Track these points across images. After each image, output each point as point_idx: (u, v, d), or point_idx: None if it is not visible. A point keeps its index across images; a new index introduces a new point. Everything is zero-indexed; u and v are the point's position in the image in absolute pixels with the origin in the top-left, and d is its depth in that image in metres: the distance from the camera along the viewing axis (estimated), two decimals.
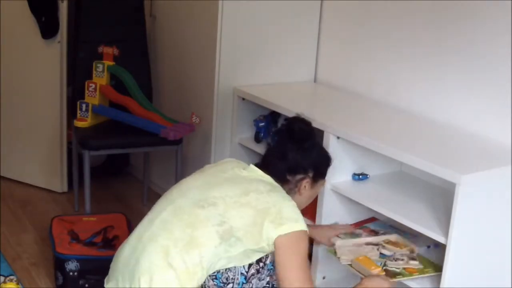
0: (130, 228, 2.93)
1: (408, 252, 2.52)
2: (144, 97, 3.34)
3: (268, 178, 2.28)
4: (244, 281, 2.17)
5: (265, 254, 2.17)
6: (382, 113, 3.03)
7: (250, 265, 2.17)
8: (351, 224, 2.79)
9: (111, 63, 3.32)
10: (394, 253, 2.51)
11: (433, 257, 2.61)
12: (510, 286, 2.55)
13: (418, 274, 2.42)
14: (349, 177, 2.82)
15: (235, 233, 2.09)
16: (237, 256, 2.12)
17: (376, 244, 2.57)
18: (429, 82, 2.93)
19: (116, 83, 3.35)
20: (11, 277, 2.63)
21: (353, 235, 2.71)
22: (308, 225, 2.56)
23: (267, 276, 2.21)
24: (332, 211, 2.82)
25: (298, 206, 2.38)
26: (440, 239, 2.35)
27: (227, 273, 2.14)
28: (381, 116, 2.99)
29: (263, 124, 3.19)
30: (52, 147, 3.72)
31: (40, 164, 3.80)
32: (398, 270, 2.42)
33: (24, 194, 3.77)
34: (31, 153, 3.80)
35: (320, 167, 2.39)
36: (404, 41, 3.03)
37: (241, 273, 2.16)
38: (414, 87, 3.00)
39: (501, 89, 2.62)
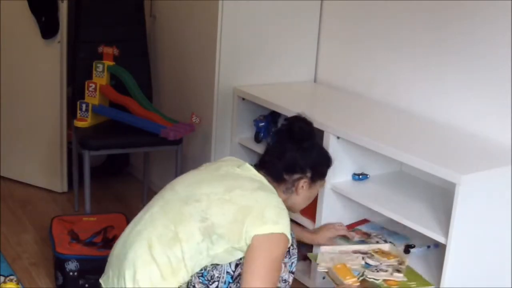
0: None
1: (396, 263, 2.44)
2: (144, 97, 3.34)
3: (260, 177, 2.27)
4: (231, 281, 2.17)
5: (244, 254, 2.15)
6: (382, 113, 3.03)
7: (237, 265, 2.16)
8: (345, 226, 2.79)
9: (111, 63, 3.32)
10: (380, 263, 2.44)
11: (432, 258, 2.61)
12: (510, 286, 2.55)
13: None
14: (349, 177, 2.82)
15: (217, 230, 2.10)
16: (221, 254, 2.12)
17: (366, 253, 2.51)
18: (429, 82, 2.93)
19: (116, 83, 3.35)
20: (11, 277, 2.63)
21: (346, 239, 2.70)
22: (307, 232, 2.57)
23: None
24: (332, 211, 2.82)
25: (296, 206, 2.39)
26: (440, 239, 2.35)
27: (212, 271, 2.15)
28: (381, 116, 2.99)
29: (263, 124, 3.19)
30: (52, 147, 3.72)
31: (40, 164, 3.80)
32: (377, 282, 2.34)
33: (24, 194, 3.77)
34: (31, 153, 3.80)
35: (319, 167, 2.38)
36: (404, 41, 3.03)
37: (227, 272, 2.16)
38: (414, 87, 3.00)
39: (501, 89, 2.62)
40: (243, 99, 3.22)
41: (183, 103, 3.51)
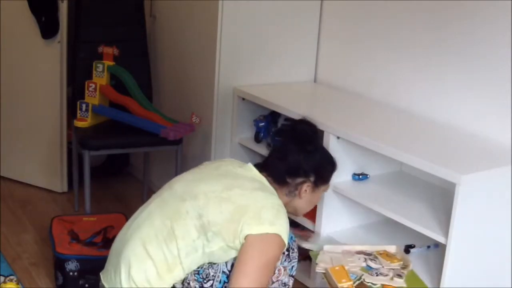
0: None
1: (398, 267, 2.39)
2: (144, 97, 3.34)
3: (261, 178, 2.26)
4: (226, 280, 2.17)
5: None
6: (382, 113, 3.03)
7: (233, 265, 2.16)
8: None
9: (111, 63, 3.32)
10: (382, 266, 2.39)
11: (432, 258, 2.61)
12: (510, 286, 2.55)
13: None
14: (349, 177, 2.82)
15: (212, 227, 2.10)
16: (217, 252, 2.12)
17: (370, 254, 2.47)
18: (429, 82, 2.93)
19: (116, 83, 3.35)
20: (11, 277, 2.63)
21: None
22: None
23: None
24: (332, 211, 2.82)
25: (299, 210, 2.38)
26: (440, 239, 2.35)
27: (208, 270, 2.15)
28: (381, 116, 2.99)
29: (263, 124, 3.19)
30: (52, 147, 3.72)
31: (40, 164, 3.80)
32: (374, 287, 2.30)
33: (24, 194, 3.77)
34: (31, 153, 3.80)
35: (323, 171, 2.36)
36: (404, 41, 3.03)
37: (223, 271, 2.16)
38: (414, 87, 3.00)
39: (501, 89, 2.62)
40: (243, 99, 3.22)
41: (183, 103, 3.51)
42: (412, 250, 2.69)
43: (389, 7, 3.08)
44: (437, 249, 2.68)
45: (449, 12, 2.80)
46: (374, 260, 2.42)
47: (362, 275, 2.33)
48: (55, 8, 3.49)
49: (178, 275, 2.12)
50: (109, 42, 3.34)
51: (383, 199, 2.65)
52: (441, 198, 2.67)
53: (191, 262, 2.12)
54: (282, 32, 3.35)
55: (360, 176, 2.81)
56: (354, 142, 2.65)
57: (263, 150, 3.13)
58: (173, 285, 2.14)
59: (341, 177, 2.76)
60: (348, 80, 3.35)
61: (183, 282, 2.15)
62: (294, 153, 2.29)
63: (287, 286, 2.29)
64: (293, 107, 2.97)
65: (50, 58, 3.58)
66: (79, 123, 3.27)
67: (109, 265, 2.24)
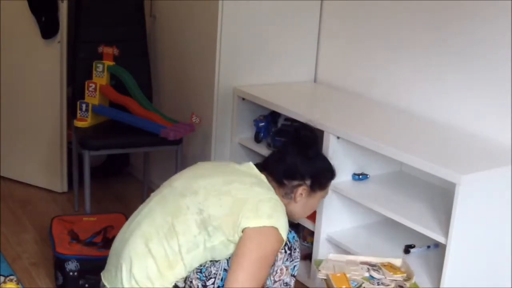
0: None
1: (401, 279, 2.36)
2: (144, 97, 3.34)
3: (260, 175, 2.28)
4: None
5: None
6: (382, 113, 3.03)
7: None
8: None
9: (111, 63, 3.32)
10: (385, 277, 2.36)
11: (432, 258, 2.61)
12: (510, 286, 2.55)
13: None
14: (349, 177, 2.82)
15: (213, 222, 2.11)
16: (218, 247, 2.12)
17: (374, 265, 2.44)
18: (429, 82, 2.93)
19: (116, 83, 3.35)
20: (11, 277, 2.63)
21: None
22: None
23: None
24: (332, 211, 2.82)
25: (295, 214, 2.37)
26: (440, 239, 2.35)
27: (210, 268, 2.15)
28: (381, 116, 2.99)
29: (263, 124, 3.19)
30: (52, 147, 3.72)
31: (40, 164, 3.80)
32: None
33: (24, 194, 3.77)
34: (31, 153, 3.80)
35: (320, 177, 2.35)
36: (404, 41, 3.03)
37: (224, 269, 2.16)
38: (414, 87, 3.00)
39: (501, 89, 2.62)
40: (243, 99, 3.22)
41: (183, 103, 3.51)
42: (412, 250, 2.69)
43: (389, 7, 3.08)
44: (437, 249, 2.68)
45: (449, 12, 2.80)
46: (378, 271, 2.39)
47: (363, 283, 2.31)
48: (55, 8, 3.49)
49: (179, 272, 2.12)
50: (109, 42, 3.34)
51: (383, 199, 2.65)
52: (441, 198, 2.67)
53: (193, 259, 2.12)
54: (282, 32, 3.35)
55: (360, 176, 2.81)
56: (354, 142, 2.65)
57: (263, 150, 3.13)
58: (176, 284, 2.14)
59: (341, 177, 2.76)
60: (348, 80, 3.35)
61: (185, 280, 2.15)
62: (293, 156, 2.30)
63: (288, 286, 2.29)
64: (293, 107, 2.97)
65: (50, 58, 3.58)
66: (79, 123, 3.27)
67: (109, 264, 2.25)
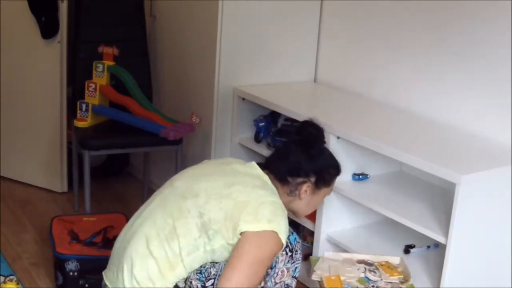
0: None
1: (397, 281, 2.33)
2: (144, 97, 3.34)
3: (263, 176, 2.26)
4: None
5: None
6: (382, 113, 3.03)
7: None
8: None
9: (111, 63, 3.32)
10: (381, 279, 2.33)
11: (432, 258, 2.61)
12: (510, 286, 2.55)
13: None
14: (349, 177, 2.82)
15: (213, 225, 2.10)
16: (218, 250, 2.12)
17: (371, 265, 2.41)
18: (429, 82, 2.93)
19: (116, 83, 3.35)
20: (11, 277, 2.63)
21: None
22: None
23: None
24: (332, 211, 2.82)
25: (299, 211, 2.37)
26: (440, 239, 2.35)
27: (210, 269, 2.15)
28: (381, 116, 2.99)
29: (263, 124, 3.19)
30: (52, 147, 3.72)
31: (40, 164, 3.80)
32: None
33: (24, 194, 3.77)
34: (31, 153, 3.80)
35: (324, 173, 2.33)
36: (404, 41, 3.03)
37: None
38: (414, 87, 3.00)
39: (501, 89, 2.62)
40: (243, 99, 3.22)
41: (183, 103, 3.51)
42: (412, 250, 2.69)
43: (389, 7, 3.07)
44: (437, 249, 2.68)
45: (449, 12, 2.80)
46: (374, 271, 2.37)
47: (357, 287, 2.28)
48: (55, 8, 3.49)
49: (180, 273, 2.12)
50: (109, 42, 3.34)
51: (383, 199, 2.65)
52: (441, 198, 2.67)
53: (193, 261, 2.12)
54: (282, 32, 3.35)
55: (360, 176, 2.81)
56: (354, 142, 2.65)
57: (263, 150, 3.13)
58: (176, 284, 2.14)
59: (341, 177, 2.75)
60: (348, 80, 3.35)
61: (185, 281, 2.15)
62: (296, 153, 2.29)
63: None
64: (293, 107, 2.97)
65: (50, 58, 3.58)
66: (79, 123, 3.27)
67: (111, 264, 2.25)
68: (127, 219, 3.09)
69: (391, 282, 2.32)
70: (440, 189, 2.76)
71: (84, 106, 3.27)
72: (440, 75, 2.88)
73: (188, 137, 3.36)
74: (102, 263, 2.35)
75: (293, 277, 2.30)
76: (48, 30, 3.52)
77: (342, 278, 2.30)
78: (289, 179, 2.28)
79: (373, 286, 2.30)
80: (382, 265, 2.41)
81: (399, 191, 2.75)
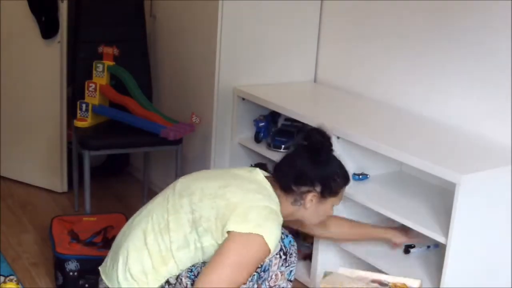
0: None
1: None
2: (144, 97, 3.34)
3: (264, 182, 2.23)
4: None
5: None
6: (382, 113, 3.03)
7: None
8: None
9: (111, 63, 3.32)
10: None
11: (432, 258, 2.61)
12: (510, 286, 2.55)
13: None
14: None
15: (203, 223, 2.11)
16: (207, 248, 2.12)
17: (385, 285, 2.24)
18: (429, 82, 2.93)
19: (116, 83, 3.35)
20: (11, 277, 2.63)
21: None
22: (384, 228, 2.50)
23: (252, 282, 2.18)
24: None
25: (307, 220, 2.33)
26: (440, 239, 2.35)
27: (200, 268, 2.15)
28: (381, 116, 2.99)
29: (263, 124, 3.19)
30: (52, 147, 3.72)
31: (40, 164, 3.80)
32: None
33: (24, 194, 3.77)
34: (31, 153, 3.80)
35: (331, 183, 2.26)
36: (404, 41, 3.03)
37: None
38: (414, 87, 3.00)
39: (501, 89, 2.62)
40: (243, 99, 3.22)
41: (183, 103, 3.51)
42: (412, 250, 2.69)
43: (389, 7, 3.07)
44: (437, 249, 2.68)
45: (449, 12, 2.80)
46: None
47: None
48: (55, 8, 3.49)
49: (172, 269, 2.15)
50: (109, 42, 3.34)
51: (383, 199, 2.65)
52: (441, 198, 2.67)
53: (184, 257, 2.14)
54: (282, 32, 3.35)
55: (360, 176, 2.81)
56: (354, 142, 2.65)
57: (263, 150, 3.13)
58: (168, 279, 2.16)
59: None
60: (348, 80, 3.35)
61: (177, 278, 2.17)
62: (303, 161, 2.24)
63: None
64: (293, 107, 2.97)
65: (50, 58, 3.58)
66: (79, 123, 3.27)
67: (108, 258, 2.29)
68: (127, 219, 3.09)
69: None
70: (440, 189, 2.76)
71: (84, 106, 3.27)
72: (440, 75, 2.88)
73: (188, 137, 3.36)
74: (102, 263, 2.36)
75: (289, 280, 2.29)
76: (48, 30, 3.52)
77: None
78: (294, 187, 2.23)
79: None
80: (397, 286, 2.25)
81: (399, 191, 2.75)
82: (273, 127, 3.22)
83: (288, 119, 3.16)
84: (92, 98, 3.28)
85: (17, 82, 3.73)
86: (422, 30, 2.93)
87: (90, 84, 3.28)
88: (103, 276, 2.26)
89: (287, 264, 2.27)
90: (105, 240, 2.90)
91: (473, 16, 2.70)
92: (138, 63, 3.54)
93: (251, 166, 3.18)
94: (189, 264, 2.16)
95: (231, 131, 3.30)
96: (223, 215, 2.09)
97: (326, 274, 2.31)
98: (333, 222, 2.58)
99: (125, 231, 2.27)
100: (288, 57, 3.42)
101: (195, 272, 2.15)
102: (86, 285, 2.78)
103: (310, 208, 2.26)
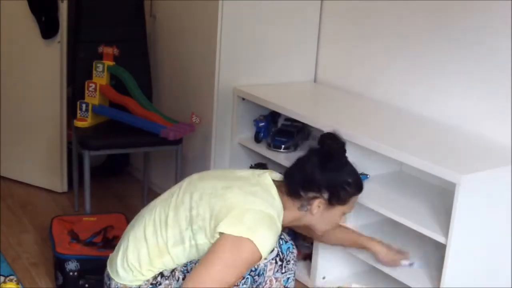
0: None
1: None
2: (144, 97, 3.34)
3: (269, 186, 2.19)
4: None
5: None
6: (382, 113, 3.03)
7: None
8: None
9: (111, 63, 3.32)
10: None
11: (432, 258, 2.61)
12: (510, 286, 2.55)
13: None
14: None
15: (198, 221, 2.12)
16: (202, 247, 2.13)
17: None
18: (429, 82, 2.93)
19: (116, 83, 3.35)
20: (11, 277, 2.63)
21: None
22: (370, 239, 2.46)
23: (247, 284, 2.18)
24: None
25: (314, 226, 2.28)
26: (440, 239, 2.35)
27: (195, 264, 2.15)
28: (381, 116, 2.99)
29: (263, 124, 3.19)
30: (52, 147, 3.72)
31: (40, 164, 3.80)
32: None
33: (24, 194, 3.77)
34: (31, 153, 3.80)
35: (339, 190, 2.18)
36: (404, 41, 3.03)
37: None
38: (414, 87, 3.00)
39: (501, 89, 2.62)
40: (243, 99, 3.22)
41: (183, 103, 3.51)
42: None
43: (389, 7, 3.07)
44: (438, 250, 2.67)
45: (449, 12, 2.80)
46: None
47: None
48: (55, 8, 3.49)
49: (168, 262, 2.18)
50: (109, 42, 3.34)
51: (383, 199, 2.65)
52: (441, 198, 2.67)
53: (179, 253, 2.16)
54: (282, 32, 3.35)
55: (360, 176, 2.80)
56: (354, 142, 2.64)
57: (263, 150, 3.13)
58: (162, 271, 2.19)
59: None
60: (348, 80, 3.35)
61: (172, 271, 2.20)
62: (312, 166, 2.18)
63: None
64: (293, 107, 2.97)
65: (50, 58, 3.58)
66: (79, 123, 3.27)
67: (114, 249, 2.35)
68: (127, 219, 3.10)
69: None
70: (440, 189, 2.76)
71: (84, 106, 3.27)
72: (440, 75, 2.88)
73: (188, 137, 3.36)
74: (102, 263, 2.36)
75: (286, 287, 2.28)
76: (48, 30, 3.52)
77: None
78: (301, 193, 2.18)
79: None
80: None
81: (399, 191, 2.75)
82: (273, 127, 3.22)
83: (288, 119, 3.16)
84: (92, 98, 3.28)
85: (17, 82, 3.73)
86: (422, 30, 2.93)
87: (90, 84, 3.28)
88: (107, 262, 2.32)
89: (283, 271, 2.25)
90: (105, 240, 2.90)
91: (473, 16, 2.70)
92: (138, 63, 3.54)
93: (251, 166, 3.21)
94: (184, 260, 2.18)
95: (231, 131, 3.30)
96: (217, 215, 2.09)
97: None
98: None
99: (133, 221, 2.33)
100: (288, 57, 3.42)
101: (188, 268, 2.17)
102: (86, 285, 2.77)
103: (317, 214, 2.21)
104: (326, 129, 2.65)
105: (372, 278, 2.88)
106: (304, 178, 2.18)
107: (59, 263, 2.78)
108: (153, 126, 3.16)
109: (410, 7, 2.98)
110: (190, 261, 2.18)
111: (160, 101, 3.68)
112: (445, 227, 2.34)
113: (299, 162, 2.26)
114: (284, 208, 2.19)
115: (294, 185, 2.20)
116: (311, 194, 2.18)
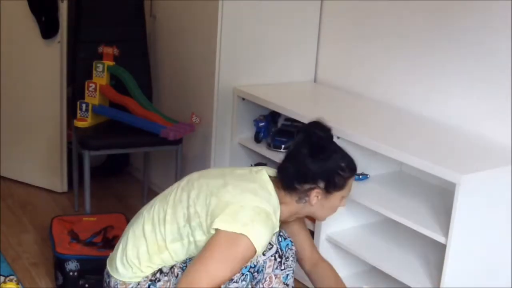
0: None
1: None
2: (144, 97, 3.34)
3: (265, 182, 2.19)
4: None
5: None
6: (382, 113, 3.03)
7: None
8: None
9: (111, 63, 3.32)
10: None
11: (432, 258, 2.61)
12: (510, 286, 2.55)
13: None
14: None
15: (196, 218, 2.14)
16: (200, 244, 2.13)
17: None
18: (429, 82, 2.93)
19: (116, 83, 3.35)
20: (11, 277, 2.63)
21: None
22: None
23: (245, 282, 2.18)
24: None
25: (315, 215, 2.28)
26: (440, 239, 2.35)
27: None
28: (381, 116, 2.99)
29: (263, 124, 3.19)
30: (52, 147, 3.72)
31: (40, 164, 3.80)
32: None
33: (24, 194, 3.77)
34: (31, 153, 3.80)
35: (334, 178, 2.17)
36: (404, 41, 3.03)
37: None
38: (414, 87, 3.00)
39: (501, 89, 2.62)
40: (243, 99, 3.22)
41: (183, 103, 3.51)
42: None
43: (389, 7, 3.07)
44: (438, 249, 2.67)
45: (449, 12, 2.80)
46: None
47: None
48: (55, 8, 3.49)
49: (167, 259, 2.19)
50: (109, 42, 3.34)
51: (383, 199, 2.65)
52: (441, 198, 2.67)
53: (178, 249, 2.17)
54: (282, 32, 3.35)
55: (360, 176, 2.81)
56: (354, 142, 2.64)
57: (263, 150, 3.13)
58: (161, 268, 2.21)
59: None
60: (348, 80, 3.35)
61: (171, 268, 2.21)
62: (303, 158, 2.17)
63: None
64: (293, 107, 2.97)
65: (50, 58, 3.58)
66: (79, 123, 3.27)
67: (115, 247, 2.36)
68: (127, 219, 3.10)
69: None
70: (440, 189, 2.76)
71: (84, 106, 3.27)
72: (440, 75, 2.88)
73: (188, 137, 3.36)
74: (102, 263, 2.36)
75: (285, 284, 2.28)
76: (48, 30, 3.52)
77: None
78: (297, 185, 2.18)
79: None
80: None
81: (399, 191, 2.75)
82: (273, 127, 3.22)
83: (288, 119, 3.16)
84: (92, 98, 3.28)
85: (17, 82, 3.73)
86: (422, 30, 2.93)
87: (90, 84, 3.28)
88: (107, 261, 2.32)
89: (283, 267, 2.25)
90: (105, 240, 2.90)
91: (473, 16, 2.71)
92: (138, 63, 3.54)
93: (251, 166, 3.21)
94: (183, 257, 2.19)
95: (231, 131, 3.30)
96: (213, 212, 2.11)
97: None
98: (325, 269, 2.47)
99: (133, 219, 2.34)
100: (288, 57, 3.42)
101: (187, 264, 2.18)
102: (86, 285, 2.77)
103: (316, 204, 2.20)
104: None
105: (372, 278, 2.88)
106: (298, 171, 2.17)
107: (59, 263, 2.78)
108: (153, 126, 3.16)
109: (410, 7, 2.98)
110: (189, 258, 2.19)
111: (160, 101, 3.68)
112: (445, 227, 2.34)
113: (290, 155, 2.24)
114: (282, 203, 2.20)
115: (288, 179, 2.19)
116: (307, 186, 2.17)
